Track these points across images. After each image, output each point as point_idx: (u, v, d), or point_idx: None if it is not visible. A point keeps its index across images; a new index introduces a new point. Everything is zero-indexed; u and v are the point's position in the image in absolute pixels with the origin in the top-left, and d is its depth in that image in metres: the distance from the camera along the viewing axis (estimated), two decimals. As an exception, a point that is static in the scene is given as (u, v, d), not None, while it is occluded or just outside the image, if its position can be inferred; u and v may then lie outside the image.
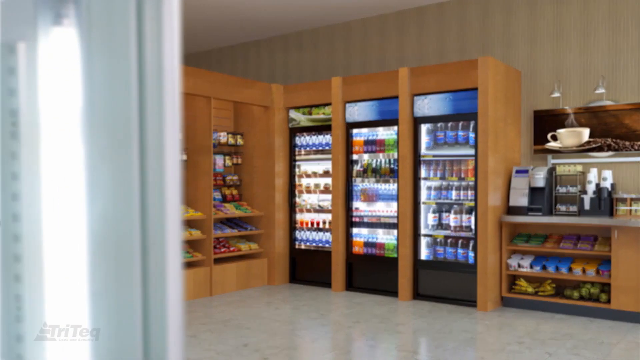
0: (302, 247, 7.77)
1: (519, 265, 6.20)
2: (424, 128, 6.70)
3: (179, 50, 0.70)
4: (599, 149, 6.13)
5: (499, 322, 5.67)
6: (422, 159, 6.68)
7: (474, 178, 6.25)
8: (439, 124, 6.61)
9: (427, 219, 6.76)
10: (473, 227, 6.34)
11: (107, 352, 0.70)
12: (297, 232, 7.82)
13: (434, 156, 6.64)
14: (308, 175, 7.74)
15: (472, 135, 6.35)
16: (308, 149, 7.74)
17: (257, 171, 7.83)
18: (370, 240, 7.15)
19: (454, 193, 6.54)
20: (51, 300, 0.69)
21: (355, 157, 7.25)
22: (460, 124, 6.45)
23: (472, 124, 6.33)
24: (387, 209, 7.04)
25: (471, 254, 6.35)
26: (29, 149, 0.67)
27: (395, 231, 6.89)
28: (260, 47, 9.11)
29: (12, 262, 0.68)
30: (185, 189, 7.04)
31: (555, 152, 6.39)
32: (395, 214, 6.86)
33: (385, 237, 7.04)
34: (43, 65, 0.67)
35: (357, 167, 7.26)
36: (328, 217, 7.51)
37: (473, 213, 6.35)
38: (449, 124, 6.53)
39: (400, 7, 7.54)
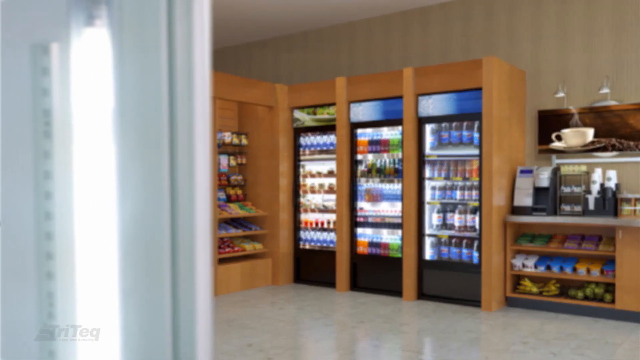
0: (307, 247, 7.78)
1: (524, 265, 6.20)
2: (429, 128, 6.70)
3: (209, 49, 0.71)
4: (604, 149, 6.13)
5: (503, 322, 5.68)
6: (426, 159, 6.68)
7: (479, 178, 6.25)
8: (443, 124, 6.62)
9: (432, 219, 6.76)
10: (477, 227, 6.34)
11: (137, 350, 0.70)
12: (301, 232, 7.83)
13: (439, 156, 6.65)
14: (312, 175, 7.75)
15: (476, 135, 6.35)
16: (312, 149, 7.75)
17: (262, 171, 7.84)
18: (374, 240, 7.16)
19: (458, 193, 6.55)
20: (82, 298, 0.69)
21: (359, 157, 7.26)
22: (465, 124, 6.45)
23: (476, 124, 6.33)
24: (391, 209, 7.04)
25: (475, 254, 6.35)
26: (61, 148, 0.68)
27: (399, 231, 6.89)
28: (265, 47, 9.12)
29: (44, 260, 0.69)
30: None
31: (560, 152, 6.39)
32: (400, 214, 6.86)
33: (390, 237, 7.04)
34: (76, 65, 0.68)
35: (361, 167, 7.26)
36: (332, 217, 7.52)
37: (477, 213, 6.35)
38: (454, 124, 6.54)
39: (405, 7, 7.55)
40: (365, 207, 7.27)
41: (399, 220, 6.88)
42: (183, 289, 0.71)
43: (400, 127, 6.85)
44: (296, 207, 7.82)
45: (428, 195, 6.73)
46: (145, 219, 0.69)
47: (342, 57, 8.25)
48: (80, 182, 0.69)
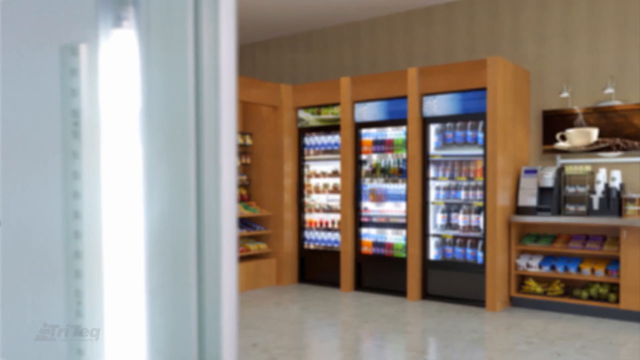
0: (311, 247, 7.78)
1: (528, 265, 6.20)
2: (433, 128, 6.71)
3: (235, 51, 0.71)
4: (608, 149, 6.13)
5: (507, 322, 5.68)
6: (430, 159, 6.68)
7: (483, 178, 6.25)
8: (447, 124, 6.62)
9: (436, 219, 6.76)
10: (482, 227, 6.34)
11: (163, 350, 0.71)
12: (305, 232, 7.83)
13: (443, 156, 6.65)
14: (317, 175, 7.75)
15: (480, 135, 6.35)
16: (317, 149, 7.75)
17: (266, 171, 7.85)
18: (379, 240, 7.16)
19: (462, 193, 6.55)
20: (110, 297, 0.70)
21: (364, 157, 7.26)
22: (469, 123, 6.45)
23: (480, 124, 6.33)
24: (395, 209, 7.05)
25: (480, 254, 6.35)
26: (89, 148, 0.69)
27: (404, 231, 6.90)
28: (269, 47, 9.13)
29: (73, 258, 0.69)
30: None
31: (564, 152, 6.39)
32: (404, 214, 6.86)
33: (394, 237, 7.05)
34: (104, 66, 0.68)
35: (366, 167, 7.26)
36: (337, 217, 7.52)
37: (482, 213, 6.35)
38: (458, 124, 6.54)
39: (409, 7, 7.55)
40: (369, 207, 7.28)
41: (404, 220, 6.89)
42: (209, 290, 0.71)
43: (404, 127, 6.85)
44: (300, 207, 7.83)
45: (432, 195, 6.73)
46: (171, 219, 0.70)
47: (346, 57, 8.25)
48: (108, 182, 0.69)
